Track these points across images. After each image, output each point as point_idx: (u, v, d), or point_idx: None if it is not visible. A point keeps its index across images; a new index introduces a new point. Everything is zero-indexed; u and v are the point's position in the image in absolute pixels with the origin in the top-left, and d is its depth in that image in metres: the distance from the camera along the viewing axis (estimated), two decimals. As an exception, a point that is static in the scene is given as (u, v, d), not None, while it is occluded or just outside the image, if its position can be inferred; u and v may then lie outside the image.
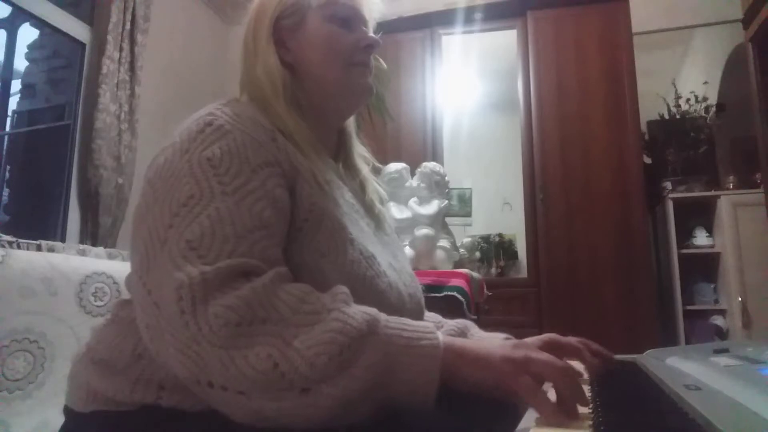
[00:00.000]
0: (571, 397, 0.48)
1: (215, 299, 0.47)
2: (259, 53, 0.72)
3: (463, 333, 0.83)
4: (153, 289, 0.50)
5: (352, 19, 0.75)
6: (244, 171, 0.56)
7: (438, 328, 0.84)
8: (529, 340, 0.75)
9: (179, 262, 0.49)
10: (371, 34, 0.77)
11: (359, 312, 0.50)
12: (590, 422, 0.46)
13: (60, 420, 0.65)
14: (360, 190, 0.80)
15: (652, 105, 3.11)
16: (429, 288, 1.66)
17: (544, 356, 0.51)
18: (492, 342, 0.56)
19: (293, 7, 0.74)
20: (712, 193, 2.93)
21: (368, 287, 0.63)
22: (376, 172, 0.88)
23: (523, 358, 0.50)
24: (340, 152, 0.83)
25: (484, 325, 0.89)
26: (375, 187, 0.83)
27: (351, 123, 0.85)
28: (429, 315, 0.88)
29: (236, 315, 0.46)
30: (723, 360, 0.63)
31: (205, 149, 0.57)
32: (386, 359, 0.48)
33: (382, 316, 0.52)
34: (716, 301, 2.90)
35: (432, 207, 2.04)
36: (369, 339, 0.48)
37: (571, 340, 0.73)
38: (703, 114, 3.12)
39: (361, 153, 0.85)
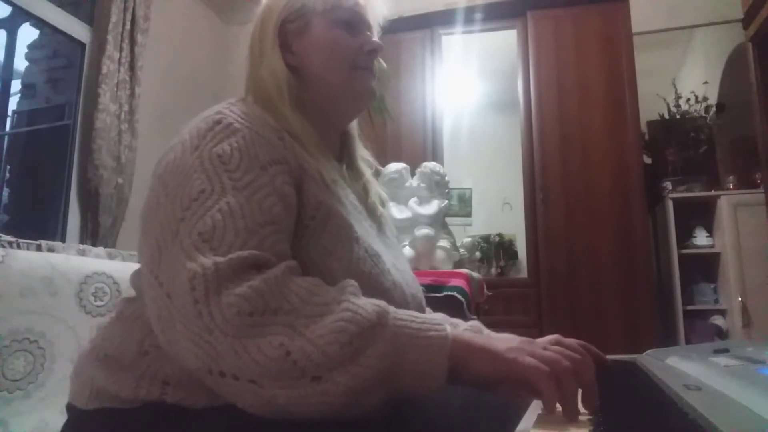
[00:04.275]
0: (575, 397, 0.49)
1: (228, 289, 0.47)
2: (264, 56, 0.73)
3: (479, 332, 0.83)
4: (165, 280, 0.51)
5: (357, 24, 0.76)
6: (254, 167, 0.57)
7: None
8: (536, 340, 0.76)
9: (192, 254, 0.49)
10: (375, 38, 0.78)
11: (369, 303, 0.51)
12: (590, 422, 0.46)
13: (60, 420, 0.65)
14: (363, 192, 0.81)
15: (652, 105, 3.11)
16: (429, 288, 1.66)
17: (551, 352, 0.51)
18: (503, 336, 0.57)
19: (299, 12, 0.75)
20: (712, 193, 2.93)
21: (373, 285, 0.64)
22: (376, 174, 0.88)
23: (529, 351, 0.51)
24: (344, 155, 0.84)
25: (484, 325, 0.89)
26: (377, 190, 0.84)
27: (354, 126, 0.85)
28: (437, 316, 0.88)
29: (249, 304, 0.47)
30: (723, 360, 0.63)
31: (215, 146, 0.57)
32: (395, 349, 0.48)
33: (391, 308, 0.52)
34: (716, 301, 2.90)
35: (432, 207, 2.04)
36: (378, 329, 0.48)
37: (573, 342, 0.74)
38: (703, 114, 3.12)
39: (363, 156, 0.85)
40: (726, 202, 2.83)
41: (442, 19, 3.20)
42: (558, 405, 0.49)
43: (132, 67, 2.58)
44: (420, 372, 0.49)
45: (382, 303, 0.52)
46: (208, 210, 0.52)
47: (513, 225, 3.34)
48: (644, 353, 0.90)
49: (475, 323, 0.87)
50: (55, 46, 2.78)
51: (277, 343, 0.46)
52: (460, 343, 0.51)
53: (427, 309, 0.84)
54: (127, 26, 2.55)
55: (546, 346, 0.53)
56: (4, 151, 2.77)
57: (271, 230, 0.54)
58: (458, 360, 0.50)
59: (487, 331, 0.86)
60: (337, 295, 0.51)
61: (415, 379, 0.49)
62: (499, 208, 3.62)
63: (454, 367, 0.49)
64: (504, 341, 0.53)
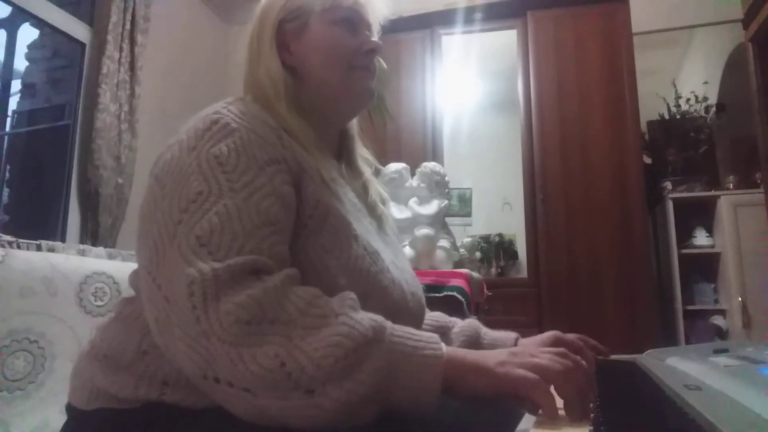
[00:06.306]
0: (574, 400, 0.49)
1: (226, 296, 0.47)
2: (262, 56, 0.73)
3: (476, 333, 0.84)
4: (163, 284, 0.51)
5: (356, 23, 0.75)
6: (252, 168, 0.57)
7: (449, 329, 0.85)
8: (532, 339, 0.76)
9: (190, 258, 0.49)
10: (375, 38, 0.77)
11: (366, 318, 0.50)
12: (590, 422, 0.46)
13: (60, 420, 0.65)
14: (362, 191, 0.80)
15: (652, 105, 3.11)
16: (429, 288, 1.66)
17: (543, 359, 0.51)
18: (494, 351, 0.57)
19: (297, 12, 0.74)
20: (712, 193, 2.93)
21: (372, 283, 0.64)
22: (376, 173, 0.88)
23: (519, 362, 0.51)
24: (343, 154, 0.83)
25: (484, 326, 0.89)
26: (378, 189, 0.83)
27: (354, 125, 0.85)
28: (435, 314, 0.88)
29: (247, 313, 0.47)
30: (723, 360, 0.63)
31: (213, 146, 0.57)
32: (390, 366, 0.48)
33: (388, 324, 0.52)
34: (716, 301, 2.90)
35: (432, 207, 2.04)
36: (374, 345, 0.48)
37: (571, 337, 0.74)
38: (703, 114, 3.12)
39: (363, 155, 0.85)
40: (726, 202, 2.83)
41: (442, 19, 3.20)
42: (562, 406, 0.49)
43: (132, 67, 2.58)
44: (413, 389, 0.49)
45: (380, 318, 0.52)
46: (205, 213, 0.52)
47: (513, 225, 3.34)
48: (644, 353, 0.90)
49: (472, 322, 0.87)
50: (55, 46, 2.78)
51: (273, 353, 0.46)
52: (455, 361, 0.51)
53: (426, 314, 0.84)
54: (127, 26, 2.55)
55: (535, 354, 0.52)
56: (4, 151, 2.77)
57: (269, 231, 0.54)
58: (453, 378, 0.50)
59: (484, 329, 0.86)
60: (335, 308, 0.51)
61: (408, 396, 0.49)
62: (499, 208, 3.62)
63: (448, 386, 0.49)
64: (495, 355, 0.53)
